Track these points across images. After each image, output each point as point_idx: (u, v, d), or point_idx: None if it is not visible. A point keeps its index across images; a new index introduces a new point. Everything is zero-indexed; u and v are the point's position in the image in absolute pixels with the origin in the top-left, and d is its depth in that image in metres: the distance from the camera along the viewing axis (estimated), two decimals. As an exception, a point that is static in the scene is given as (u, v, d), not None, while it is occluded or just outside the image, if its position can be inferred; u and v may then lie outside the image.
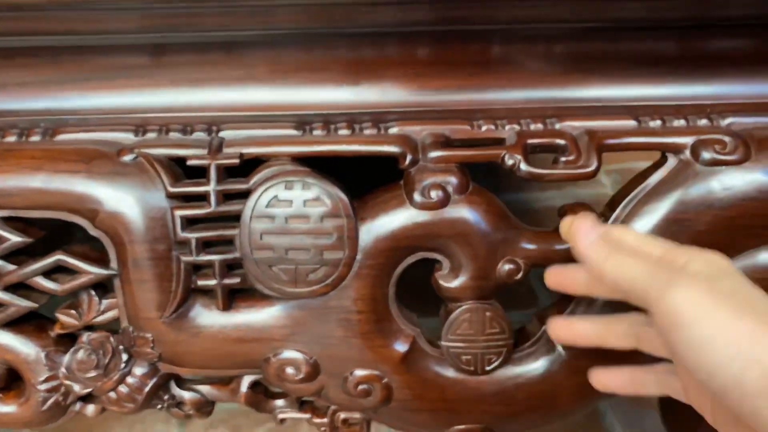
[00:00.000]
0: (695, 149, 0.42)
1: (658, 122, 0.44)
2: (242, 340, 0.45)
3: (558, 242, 0.44)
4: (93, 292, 0.45)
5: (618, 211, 0.43)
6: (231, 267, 0.44)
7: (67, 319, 0.45)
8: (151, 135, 0.44)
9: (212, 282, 0.43)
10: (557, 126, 0.44)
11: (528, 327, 0.48)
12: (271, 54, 0.44)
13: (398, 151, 0.42)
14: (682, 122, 0.44)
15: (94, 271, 0.43)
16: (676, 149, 0.43)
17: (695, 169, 0.42)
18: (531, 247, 0.44)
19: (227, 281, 0.43)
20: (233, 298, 0.45)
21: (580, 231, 0.38)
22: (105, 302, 0.45)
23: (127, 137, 0.44)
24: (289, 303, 0.44)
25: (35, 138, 0.43)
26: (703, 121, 0.44)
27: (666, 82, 0.44)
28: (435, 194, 0.42)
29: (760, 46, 0.44)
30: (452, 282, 0.44)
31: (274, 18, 0.41)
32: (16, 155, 0.42)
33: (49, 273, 0.44)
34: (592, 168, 0.42)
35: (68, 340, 0.47)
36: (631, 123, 0.44)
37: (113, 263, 0.44)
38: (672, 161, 0.43)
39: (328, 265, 0.43)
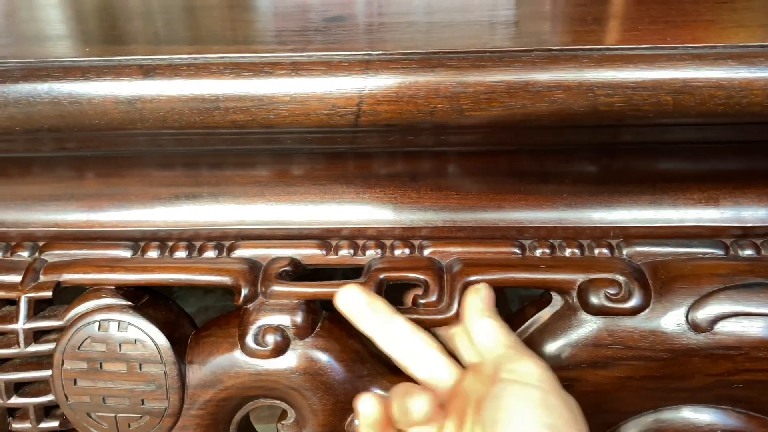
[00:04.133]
0: (583, 292, 0.35)
1: (546, 251, 0.37)
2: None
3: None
4: None
5: (492, 359, 0.36)
6: (52, 407, 0.39)
7: None
8: (-31, 254, 0.39)
9: (28, 425, 0.38)
10: (426, 252, 0.37)
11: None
12: (107, 167, 0.39)
13: (231, 283, 0.37)
14: (575, 252, 0.37)
15: None
16: (562, 289, 0.36)
17: (581, 317, 0.35)
18: (387, 395, 0.37)
19: (44, 426, 0.38)
20: (62, 435, 0.40)
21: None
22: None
23: (-57, 256, 0.39)
24: (120, 447, 0.39)
25: None
26: (602, 251, 0.36)
27: (559, 202, 0.37)
28: (271, 339, 0.36)
29: (676, 166, 0.36)
30: (295, 436, 0.38)
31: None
32: None
33: None
34: (453, 313, 0.35)
35: None
36: (514, 251, 0.37)
37: (-74, 399, 0.39)
38: (557, 302, 0.36)
39: (151, 414, 0.37)
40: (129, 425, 0.37)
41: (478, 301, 0.34)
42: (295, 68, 0.30)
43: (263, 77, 0.30)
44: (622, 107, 0.29)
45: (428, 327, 0.35)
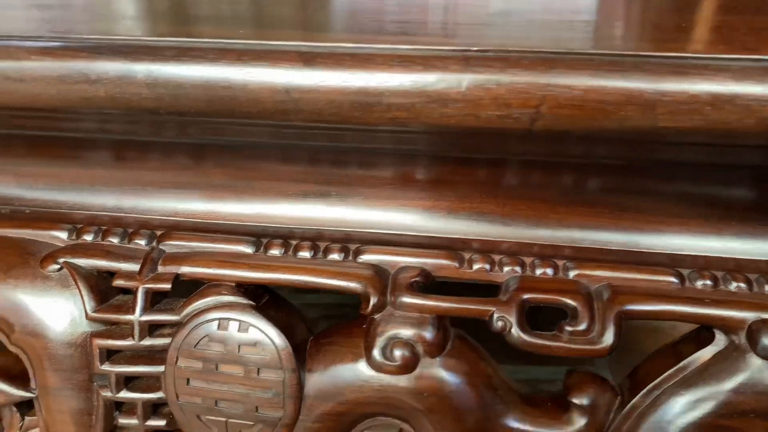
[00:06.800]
0: (754, 332, 0.31)
1: (708, 283, 0.33)
2: (172, 484, 0.38)
3: (558, 424, 0.34)
4: (14, 408, 0.39)
5: (639, 397, 0.33)
6: (159, 405, 0.37)
7: (-11, 431, 0.40)
8: (86, 237, 0.38)
9: (135, 422, 0.37)
10: (571, 274, 0.34)
11: None
12: (232, 159, 0.37)
13: (360, 290, 0.34)
14: (742, 286, 0.33)
15: (10, 392, 0.38)
16: (728, 327, 0.32)
17: (751, 360, 0.31)
18: (521, 427, 0.34)
19: (151, 423, 0.37)
20: (165, 434, 0.38)
21: None
22: (28, 419, 0.40)
23: (60, 237, 0.38)
24: (225, 452, 0.37)
25: (-35, 230, 0.39)
26: (773, 287, 0.33)
27: (726, 230, 0.33)
28: (399, 354, 0.33)
29: None
30: (415, 461, 0.35)
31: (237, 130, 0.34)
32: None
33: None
34: (606, 345, 0.32)
35: (-3, 449, 0.42)
36: (671, 281, 0.33)
37: (33, 383, 0.38)
38: (720, 341, 0.32)
39: (265, 423, 0.35)
40: (240, 432, 0.35)
41: None
42: (469, 63, 0.27)
43: (433, 72, 0.27)
44: None
45: (576, 358, 0.32)
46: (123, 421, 0.37)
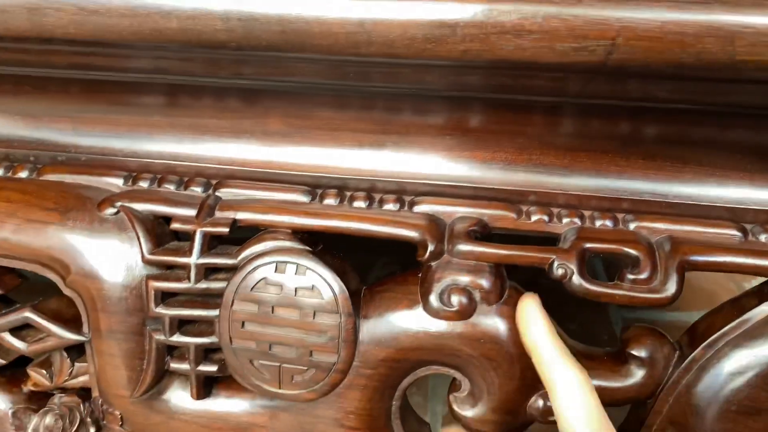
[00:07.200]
0: (821, 284, 0.31)
1: (773, 236, 0.33)
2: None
3: (615, 376, 0.34)
4: (65, 354, 0.40)
5: (700, 349, 0.33)
6: (210, 351, 0.37)
7: (38, 377, 0.40)
8: (142, 184, 0.38)
9: (186, 367, 0.37)
10: (631, 226, 0.34)
11: None
12: (287, 106, 0.37)
13: (418, 237, 0.34)
14: (806, 240, 0.32)
15: (63, 335, 0.38)
16: (793, 279, 0.32)
17: (818, 311, 0.31)
18: (577, 379, 0.34)
19: (203, 368, 0.37)
20: (214, 381, 0.38)
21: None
22: (77, 365, 0.40)
23: (115, 183, 0.38)
24: (274, 400, 0.37)
25: (22, 174, 0.39)
26: (839, 242, 0.32)
27: (790, 183, 0.33)
28: (457, 300, 0.33)
29: None
30: (469, 409, 0.35)
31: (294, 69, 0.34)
32: (-7, 195, 0.38)
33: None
34: (668, 294, 0.31)
35: (43, 396, 0.42)
36: (734, 234, 0.33)
37: (85, 327, 0.38)
38: (785, 294, 0.32)
39: (318, 368, 0.35)
40: (292, 378, 0.35)
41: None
42: (547, -5, 0.27)
43: (509, 2, 0.27)
44: None
45: (639, 306, 0.32)
46: (174, 365, 0.37)
